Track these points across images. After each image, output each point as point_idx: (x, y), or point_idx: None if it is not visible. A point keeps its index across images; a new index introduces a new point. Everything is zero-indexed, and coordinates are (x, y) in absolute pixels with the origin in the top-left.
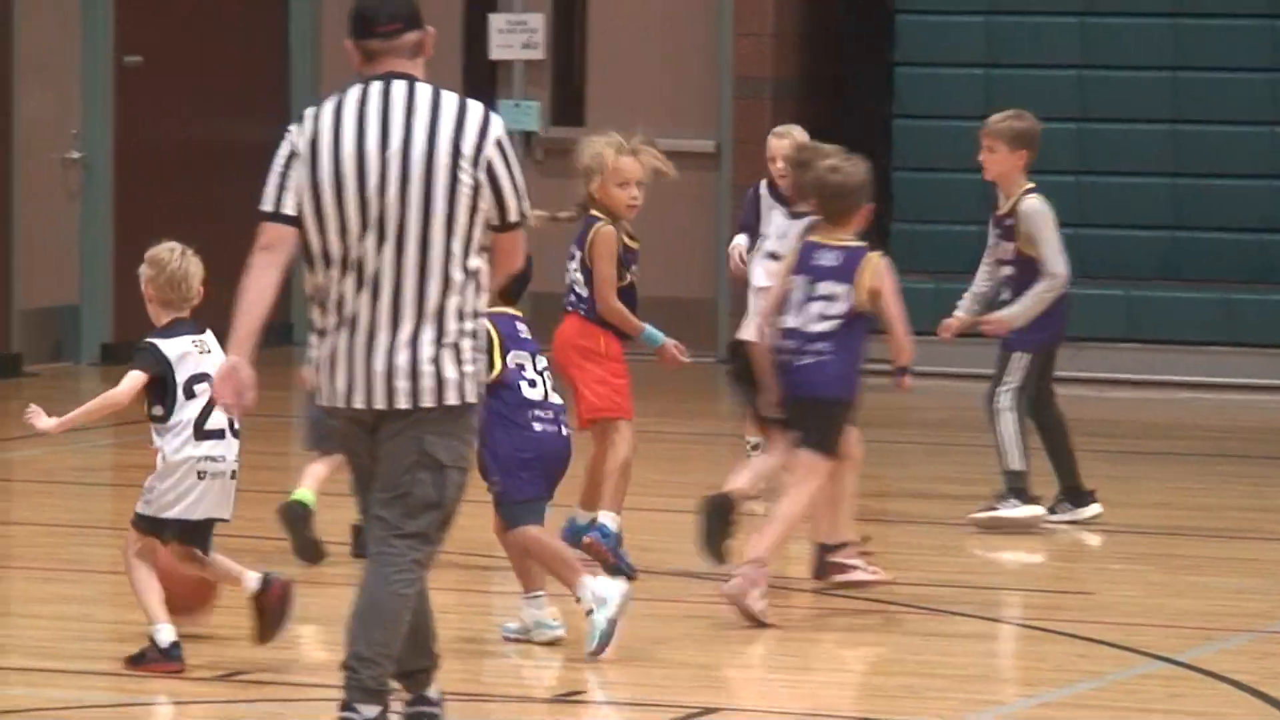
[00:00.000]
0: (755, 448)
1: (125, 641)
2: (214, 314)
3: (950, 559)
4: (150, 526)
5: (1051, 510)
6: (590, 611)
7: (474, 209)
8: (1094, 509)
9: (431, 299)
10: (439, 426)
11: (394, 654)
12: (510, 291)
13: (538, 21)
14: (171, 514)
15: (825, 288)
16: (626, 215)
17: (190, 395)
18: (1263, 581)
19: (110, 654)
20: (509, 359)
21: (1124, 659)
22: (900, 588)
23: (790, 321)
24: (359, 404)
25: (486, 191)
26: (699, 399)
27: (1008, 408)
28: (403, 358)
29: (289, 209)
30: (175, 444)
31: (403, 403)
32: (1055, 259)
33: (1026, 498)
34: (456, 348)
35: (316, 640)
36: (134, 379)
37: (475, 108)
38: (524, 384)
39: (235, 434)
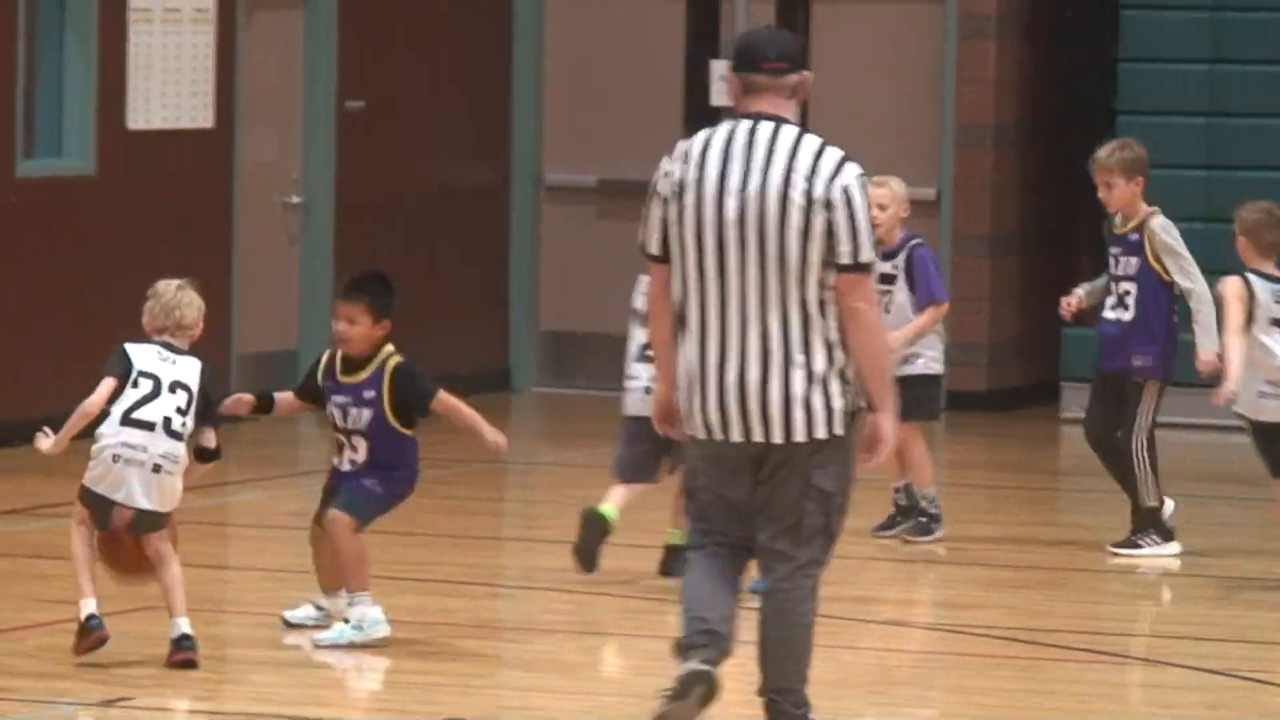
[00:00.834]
0: None
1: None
2: (431, 347)
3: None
4: (80, 494)
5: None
6: (348, 620)
7: (825, 249)
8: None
9: (795, 334)
10: (823, 456)
11: (807, 674)
12: None
13: None
14: (98, 489)
15: None
16: None
17: (134, 386)
18: None
19: (335, 700)
20: None
21: None
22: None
23: None
24: (737, 438)
25: (840, 232)
26: None
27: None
28: (777, 393)
29: (654, 248)
30: (104, 427)
31: (782, 436)
32: (1197, 275)
33: (1163, 532)
34: (825, 381)
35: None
36: (104, 385)
37: (832, 153)
38: None
39: (175, 436)
